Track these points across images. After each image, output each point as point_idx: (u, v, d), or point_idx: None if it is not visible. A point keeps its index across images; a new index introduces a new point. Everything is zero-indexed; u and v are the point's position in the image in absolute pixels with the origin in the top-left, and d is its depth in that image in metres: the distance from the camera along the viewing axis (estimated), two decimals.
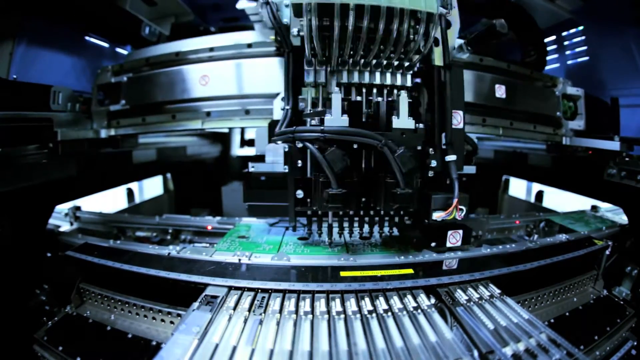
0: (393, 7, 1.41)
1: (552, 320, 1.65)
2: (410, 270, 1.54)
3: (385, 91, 1.73)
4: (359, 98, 1.70)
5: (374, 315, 1.22)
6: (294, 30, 1.72)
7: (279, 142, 1.67)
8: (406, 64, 1.68)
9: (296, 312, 1.25)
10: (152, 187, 4.30)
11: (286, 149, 1.95)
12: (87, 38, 3.76)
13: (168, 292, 1.49)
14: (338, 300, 1.30)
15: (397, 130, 1.60)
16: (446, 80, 1.69)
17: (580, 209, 2.85)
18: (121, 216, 2.84)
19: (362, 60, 1.63)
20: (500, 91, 2.61)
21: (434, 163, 1.67)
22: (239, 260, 1.66)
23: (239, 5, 2.37)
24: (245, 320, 1.19)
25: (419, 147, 1.64)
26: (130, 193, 3.93)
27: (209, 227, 2.48)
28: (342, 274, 1.52)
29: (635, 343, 1.77)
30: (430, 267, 1.61)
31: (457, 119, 1.74)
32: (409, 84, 1.74)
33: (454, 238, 1.74)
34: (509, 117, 2.73)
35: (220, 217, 2.55)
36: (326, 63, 1.67)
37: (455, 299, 1.35)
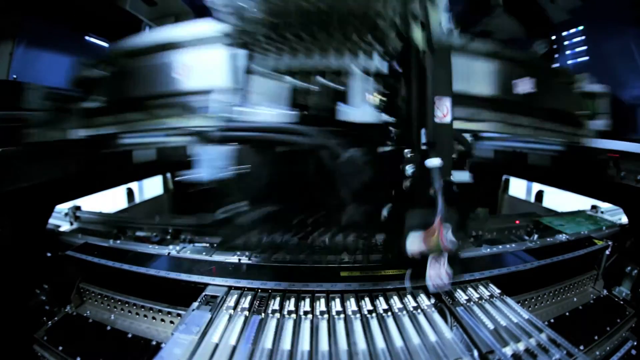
0: None
1: (552, 320, 1.65)
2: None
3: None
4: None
5: (373, 315, 1.22)
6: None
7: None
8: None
9: (296, 311, 1.25)
10: (152, 187, 4.30)
11: None
12: (87, 38, 3.76)
13: (168, 292, 1.49)
14: (338, 300, 1.30)
15: (349, 125, 1.21)
16: (425, 60, 1.28)
17: (580, 209, 2.84)
18: (121, 216, 2.84)
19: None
20: (523, 86, 2.16)
21: (409, 170, 1.28)
22: (239, 260, 1.66)
23: None
24: (245, 320, 1.19)
25: (386, 149, 1.29)
26: (130, 193, 3.92)
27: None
28: (342, 274, 1.52)
29: (635, 343, 1.76)
30: None
31: (443, 109, 1.27)
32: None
33: (437, 275, 1.19)
34: (529, 115, 2.35)
35: None
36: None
37: (455, 299, 1.34)
